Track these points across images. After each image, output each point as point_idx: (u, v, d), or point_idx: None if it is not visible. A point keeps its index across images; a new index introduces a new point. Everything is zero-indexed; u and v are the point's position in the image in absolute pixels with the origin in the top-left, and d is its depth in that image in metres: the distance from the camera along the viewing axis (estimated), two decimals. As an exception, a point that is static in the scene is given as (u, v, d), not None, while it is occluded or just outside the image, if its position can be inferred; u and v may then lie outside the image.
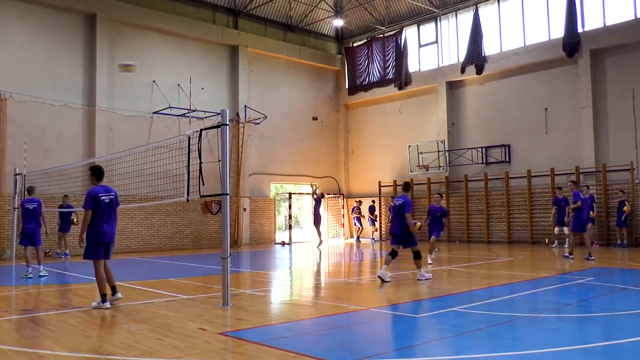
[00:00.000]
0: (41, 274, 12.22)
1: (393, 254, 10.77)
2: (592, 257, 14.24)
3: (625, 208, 18.13)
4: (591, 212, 17.14)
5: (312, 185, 22.38)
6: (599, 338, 6.24)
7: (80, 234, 8.54)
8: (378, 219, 25.87)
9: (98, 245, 8.35)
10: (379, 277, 10.58)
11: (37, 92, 18.74)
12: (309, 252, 19.90)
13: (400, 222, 10.77)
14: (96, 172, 8.69)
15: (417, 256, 10.81)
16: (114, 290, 8.41)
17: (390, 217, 12.47)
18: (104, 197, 8.46)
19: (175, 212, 21.68)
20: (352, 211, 26.19)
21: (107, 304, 8.10)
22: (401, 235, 10.79)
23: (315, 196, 22.43)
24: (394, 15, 26.50)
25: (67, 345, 5.93)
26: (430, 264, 13.76)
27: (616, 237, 18.79)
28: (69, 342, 6.09)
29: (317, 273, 14.21)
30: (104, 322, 7.34)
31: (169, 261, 16.53)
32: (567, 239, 17.90)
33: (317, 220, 21.97)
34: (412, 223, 10.72)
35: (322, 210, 22.58)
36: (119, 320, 7.34)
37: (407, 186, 11.48)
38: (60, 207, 18.08)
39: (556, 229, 18.31)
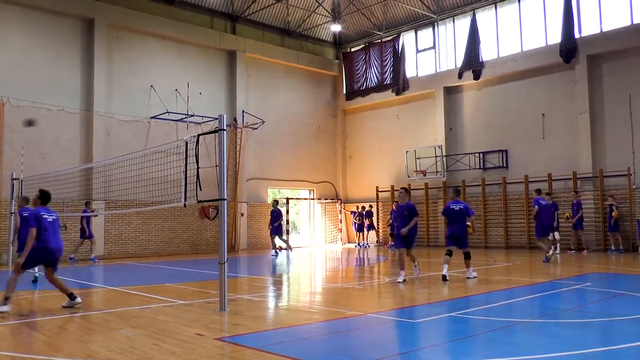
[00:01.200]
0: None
1: (450, 254, 11.87)
2: (548, 260, 14.90)
3: (613, 213, 18.22)
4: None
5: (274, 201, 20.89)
6: (597, 343, 6.24)
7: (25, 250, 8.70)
8: (375, 223, 25.75)
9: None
10: (443, 276, 11.45)
11: (34, 97, 18.72)
12: (306, 257, 19.87)
13: (461, 225, 11.85)
14: (43, 196, 9.26)
15: (468, 256, 11.93)
16: (72, 296, 8.72)
17: (447, 221, 12.79)
18: (46, 216, 8.88)
19: (172, 217, 21.65)
20: (354, 216, 25.71)
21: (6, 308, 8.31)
22: (461, 236, 11.87)
23: (273, 208, 20.58)
24: (392, 20, 26.57)
25: (63, 350, 5.90)
26: (403, 281, 11.27)
27: (610, 243, 18.82)
28: (65, 347, 6.06)
29: (315, 278, 14.18)
30: (101, 328, 7.31)
31: (166, 266, 16.49)
32: (557, 245, 18.25)
33: (275, 231, 20.08)
34: (473, 226, 12.43)
35: (282, 220, 20.48)
36: (115, 326, 7.31)
37: (459, 192, 13.00)
38: (85, 211, 17.92)
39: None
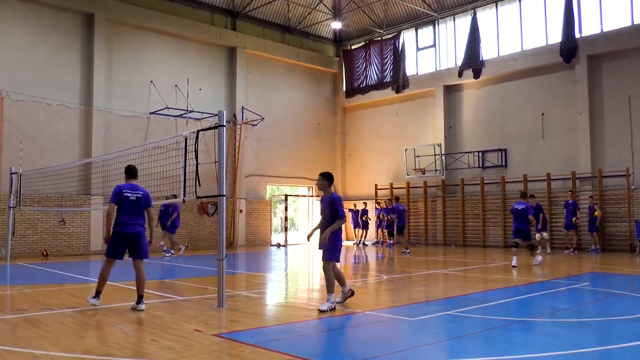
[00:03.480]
0: None
1: (516, 245, 14.18)
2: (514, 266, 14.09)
3: (596, 213, 18.35)
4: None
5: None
6: (594, 343, 6.25)
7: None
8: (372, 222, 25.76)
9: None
10: (513, 266, 13.58)
11: (34, 92, 18.70)
12: (305, 254, 19.89)
13: (524, 222, 14.04)
14: (127, 171, 8.63)
15: (532, 247, 14.55)
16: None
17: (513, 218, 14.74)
18: (128, 194, 8.33)
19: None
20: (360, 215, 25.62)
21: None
22: (524, 232, 14.09)
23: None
24: (392, 18, 26.55)
25: (61, 345, 5.91)
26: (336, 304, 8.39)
27: (617, 242, 18.90)
28: (64, 342, 6.07)
29: (313, 275, 14.20)
30: (99, 323, 7.31)
31: (166, 262, 16.49)
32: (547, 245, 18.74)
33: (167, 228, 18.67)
34: (534, 223, 15.10)
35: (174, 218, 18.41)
36: (113, 321, 7.32)
37: (525, 195, 15.09)
38: (165, 206, 17.71)
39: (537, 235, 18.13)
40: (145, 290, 8.19)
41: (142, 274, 8.16)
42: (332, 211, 8.22)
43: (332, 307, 7.98)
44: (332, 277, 8.19)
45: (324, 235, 8.15)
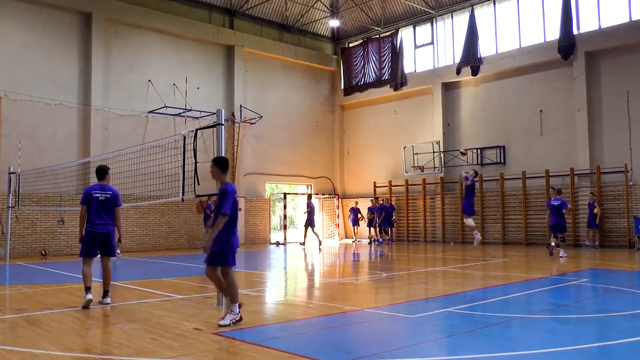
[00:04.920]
0: None
1: (556, 237, 15.73)
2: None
3: (595, 210, 18.45)
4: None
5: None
6: (594, 339, 6.26)
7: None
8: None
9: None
10: (561, 257, 15.11)
11: (32, 91, 18.68)
12: (303, 253, 19.89)
13: (560, 216, 15.53)
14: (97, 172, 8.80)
15: (563, 240, 15.79)
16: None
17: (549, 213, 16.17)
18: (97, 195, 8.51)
19: (170, 212, 21.64)
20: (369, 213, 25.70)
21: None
22: (561, 225, 15.59)
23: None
24: (390, 16, 26.53)
25: (61, 344, 5.91)
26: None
27: (600, 238, 18.93)
28: (63, 341, 6.07)
29: (312, 273, 14.21)
30: (98, 322, 7.31)
31: (164, 261, 16.49)
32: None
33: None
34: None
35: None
36: (113, 320, 7.32)
37: (560, 192, 16.24)
38: (208, 205, 18.47)
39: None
40: (144, 289, 8.19)
41: (109, 270, 8.56)
42: (217, 207, 6.82)
43: (237, 318, 6.65)
44: (221, 281, 6.88)
45: (206, 238, 6.88)
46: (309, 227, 22.70)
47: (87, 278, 8.33)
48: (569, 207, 16.67)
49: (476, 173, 17.21)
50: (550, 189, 19.19)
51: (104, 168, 8.83)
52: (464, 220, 17.84)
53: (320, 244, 22.38)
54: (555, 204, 15.59)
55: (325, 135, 28.13)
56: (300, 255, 18.93)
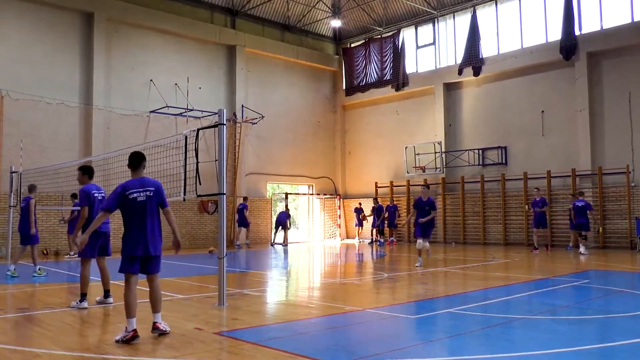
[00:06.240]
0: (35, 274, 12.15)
1: (580, 234, 17.16)
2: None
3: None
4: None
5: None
6: (594, 340, 6.26)
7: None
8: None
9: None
10: (581, 254, 16.29)
11: (33, 91, 18.69)
12: (305, 252, 19.89)
13: (584, 217, 16.96)
14: (87, 171, 8.96)
15: (585, 238, 17.09)
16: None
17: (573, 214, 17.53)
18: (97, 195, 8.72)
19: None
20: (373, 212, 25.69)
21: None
22: (585, 224, 17.03)
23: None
24: (392, 16, 26.52)
25: (62, 344, 5.91)
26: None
27: (615, 240, 18.89)
28: (65, 341, 6.08)
29: (313, 273, 14.21)
30: (100, 321, 7.32)
31: (165, 260, 16.39)
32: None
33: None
34: (594, 217, 17.97)
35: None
36: (115, 320, 7.33)
37: (582, 193, 17.75)
38: (242, 205, 21.09)
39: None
40: (145, 288, 8.17)
41: (107, 270, 8.60)
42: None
43: (128, 336, 5.90)
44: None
45: (78, 235, 7.91)
46: (280, 228, 23.48)
47: (87, 283, 8.33)
48: (594, 208, 17.96)
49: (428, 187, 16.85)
50: (534, 189, 19.47)
51: (92, 167, 9.07)
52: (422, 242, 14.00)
53: (282, 244, 22.99)
54: (580, 205, 17.07)
55: (326, 135, 28.13)
56: (302, 256, 18.92)
